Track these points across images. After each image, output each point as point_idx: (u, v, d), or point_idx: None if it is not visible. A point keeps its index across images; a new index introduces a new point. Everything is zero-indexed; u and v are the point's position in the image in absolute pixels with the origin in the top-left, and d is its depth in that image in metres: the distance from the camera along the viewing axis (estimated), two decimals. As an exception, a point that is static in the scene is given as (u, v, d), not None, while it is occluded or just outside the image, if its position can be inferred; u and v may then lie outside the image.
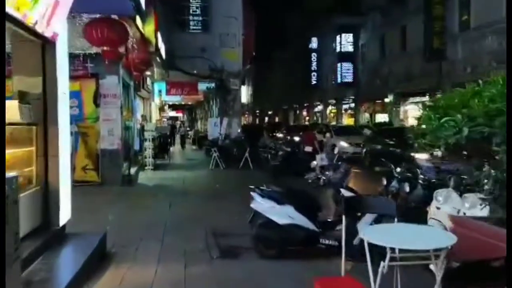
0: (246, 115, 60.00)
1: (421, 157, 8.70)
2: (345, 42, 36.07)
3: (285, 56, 52.30)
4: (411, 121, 29.86)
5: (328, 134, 13.45)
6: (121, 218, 7.62)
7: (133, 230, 6.80)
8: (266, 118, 64.06)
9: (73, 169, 11.44)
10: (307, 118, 49.36)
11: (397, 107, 29.91)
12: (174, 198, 9.58)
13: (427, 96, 27.58)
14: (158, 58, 12.48)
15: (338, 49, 36.47)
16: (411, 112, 31.21)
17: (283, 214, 5.28)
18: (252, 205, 5.47)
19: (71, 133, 11.80)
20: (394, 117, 29.44)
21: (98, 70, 11.31)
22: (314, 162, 12.59)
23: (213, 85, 20.59)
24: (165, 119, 33.95)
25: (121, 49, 9.13)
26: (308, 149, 12.71)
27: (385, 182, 6.14)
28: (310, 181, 12.72)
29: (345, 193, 5.31)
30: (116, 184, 11.11)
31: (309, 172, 13.03)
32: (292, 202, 5.38)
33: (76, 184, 11.11)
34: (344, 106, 40.22)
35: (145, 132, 14.88)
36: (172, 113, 45.62)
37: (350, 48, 35.99)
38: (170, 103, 39.26)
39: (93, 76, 11.39)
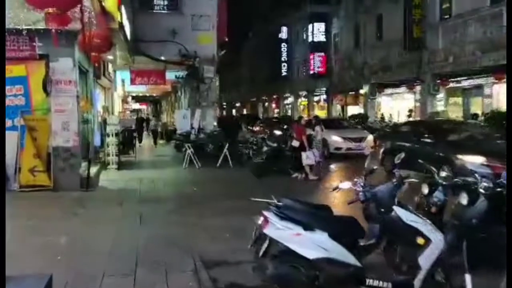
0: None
1: (474, 160, 7.25)
2: (317, 31, 34.82)
3: (252, 46, 50.65)
4: (386, 114, 29.13)
5: (317, 127, 11.92)
6: (76, 241, 5.81)
7: (93, 260, 5.03)
8: (234, 111, 62.40)
9: (18, 171, 9.54)
10: (276, 110, 48.10)
11: (373, 99, 28.97)
12: (144, 208, 7.80)
13: (404, 87, 26.89)
14: (122, 37, 10.53)
15: (310, 39, 35.22)
16: (386, 104, 30.58)
17: (313, 245, 3.70)
18: (266, 231, 3.85)
19: (16, 128, 9.82)
20: (369, 109, 28.51)
21: (48, 51, 9.31)
22: (305, 159, 11.13)
23: (183, 73, 18.68)
24: (129, 111, 31.53)
25: (75, 23, 7.21)
26: (295, 143, 11.20)
27: (426, 191, 4.55)
28: (298, 179, 11.33)
29: (404, 214, 3.77)
30: (72, 189, 9.19)
31: (296, 170, 11.60)
32: (324, 226, 3.80)
33: (22, 190, 9.21)
34: (316, 98, 39.13)
35: (108, 126, 12.90)
36: (136, 105, 43.06)
37: (322, 38, 34.80)
38: (134, 94, 36.85)
39: (43, 58, 9.38)
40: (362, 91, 29.49)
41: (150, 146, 21.39)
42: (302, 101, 42.00)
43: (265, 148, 11.89)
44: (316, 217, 3.92)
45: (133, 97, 40.21)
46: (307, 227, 3.76)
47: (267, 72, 44.84)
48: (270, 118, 29.21)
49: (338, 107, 35.78)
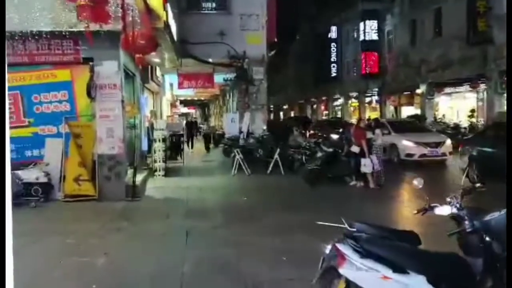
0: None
1: None
2: (369, 29, 33.30)
3: (300, 47, 49.56)
4: (445, 114, 27.24)
5: (377, 131, 10.82)
6: (115, 264, 5.19)
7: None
8: (281, 114, 61.53)
9: (62, 180, 9.21)
10: (325, 112, 46.78)
11: (431, 99, 27.17)
12: (191, 222, 7.13)
13: (466, 86, 24.95)
14: (168, 38, 10.00)
15: (361, 37, 33.77)
16: (445, 104, 28.63)
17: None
18: (342, 270, 3.00)
19: (61, 135, 9.52)
20: (427, 109, 26.73)
21: (93, 54, 8.91)
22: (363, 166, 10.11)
23: (231, 76, 18.07)
24: (177, 116, 31.44)
25: (116, 22, 6.67)
26: (355, 149, 10.18)
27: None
28: (357, 187, 10.31)
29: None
30: (117, 198, 8.73)
31: (353, 177, 10.60)
32: (419, 266, 2.88)
33: (67, 200, 8.85)
34: (367, 99, 37.54)
35: (155, 131, 12.46)
36: (184, 110, 43.24)
37: (374, 36, 33.25)
38: (182, 98, 36.94)
39: (87, 62, 8.99)
40: (418, 91, 27.73)
41: (201, 151, 20.05)
42: (352, 102, 40.51)
43: (319, 154, 10.97)
44: (407, 253, 3.01)
45: (181, 101, 40.43)
46: (398, 268, 2.87)
47: (316, 73, 43.64)
48: (324, 121, 27.74)
49: (391, 108, 34.08)
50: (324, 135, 15.61)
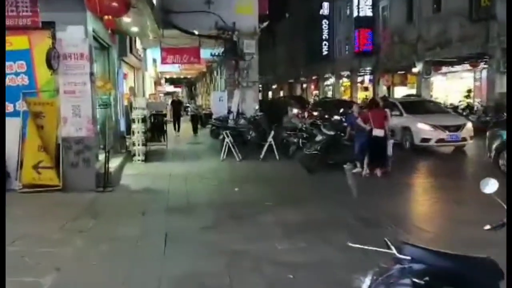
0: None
1: None
2: (363, 5, 31.82)
3: (290, 25, 47.89)
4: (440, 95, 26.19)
5: (387, 111, 9.56)
6: (69, 283, 3.91)
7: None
8: (270, 93, 60.12)
9: (19, 167, 7.84)
10: (315, 92, 45.53)
11: (427, 78, 26.01)
12: (172, 221, 5.86)
13: (464, 65, 23.83)
14: (145, -1, 8.53)
15: (355, 14, 32.33)
16: (440, 84, 27.53)
17: None
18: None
19: (18, 113, 8.07)
20: (423, 89, 25.58)
21: (54, 17, 7.45)
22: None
23: (219, 51, 16.60)
24: (162, 94, 29.74)
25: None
26: (379, 133, 8.83)
27: None
28: (363, 176, 9.09)
29: None
30: (86, 189, 7.42)
31: (357, 164, 9.41)
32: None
33: (24, 190, 7.49)
34: (359, 79, 36.32)
35: (134, 110, 11.06)
36: (170, 88, 41.49)
37: (369, 12, 31.79)
38: (167, 76, 35.26)
39: (47, 27, 7.52)
40: (414, 70, 26.55)
41: (187, 133, 17.98)
42: (344, 82, 39.30)
43: (319, 137, 9.71)
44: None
45: (166, 80, 38.71)
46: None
47: (306, 52, 42.30)
48: (326, 101, 25.82)
49: (384, 88, 32.95)
50: (326, 116, 14.17)
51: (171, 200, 7.10)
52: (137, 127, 10.64)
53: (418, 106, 13.67)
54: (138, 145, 10.65)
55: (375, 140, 8.79)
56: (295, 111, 13.58)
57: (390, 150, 8.83)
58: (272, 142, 10.73)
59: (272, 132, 10.78)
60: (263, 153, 10.74)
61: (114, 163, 9.54)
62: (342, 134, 9.93)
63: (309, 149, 9.73)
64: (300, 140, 10.68)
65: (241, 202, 6.94)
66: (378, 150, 8.87)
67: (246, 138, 11.71)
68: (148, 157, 11.15)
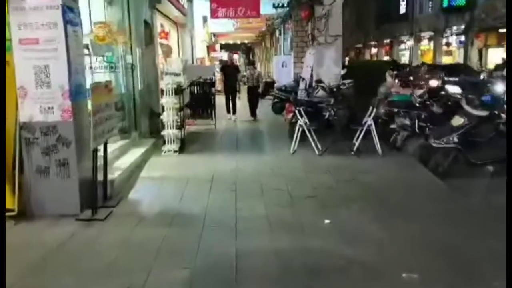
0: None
1: None
2: None
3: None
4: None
5: None
6: None
7: None
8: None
9: None
10: (386, 58, 40.35)
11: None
12: None
13: None
14: None
15: (444, -40, 26.77)
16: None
17: None
18: None
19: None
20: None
21: None
22: None
23: (284, 1, 12.75)
24: (217, 62, 26.05)
25: None
26: None
27: None
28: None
29: None
30: (62, 214, 4.12)
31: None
32: None
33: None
34: (443, 41, 30.87)
35: (164, 76, 7.61)
36: (226, 56, 38.07)
37: (462, -43, 26.10)
38: (221, 41, 31.76)
39: None
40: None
41: (242, 109, 12.22)
42: (423, 45, 33.99)
43: (459, 120, 5.74)
44: None
45: (221, 46, 35.30)
46: None
47: (378, 12, 37.19)
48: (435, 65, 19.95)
49: (475, 51, 27.40)
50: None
51: (203, 247, 3.57)
52: (168, 102, 7.18)
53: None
54: (170, 127, 7.22)
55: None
56: (390, 80, 9.53)
57: None
58: (373, 126, 6.86)
59: (374, 110, 6.88)
60: (357, 143, 6.89)
61: (128, 159, 6.24)
62: (496, 113, 5.89)
63: (440, 139, 5.82)
64: (415, 122, 6.76)
65: (342, 264, 3.26)
66: None
67: (324, 118, 7.85)
68: (186, 144, 7.76)
